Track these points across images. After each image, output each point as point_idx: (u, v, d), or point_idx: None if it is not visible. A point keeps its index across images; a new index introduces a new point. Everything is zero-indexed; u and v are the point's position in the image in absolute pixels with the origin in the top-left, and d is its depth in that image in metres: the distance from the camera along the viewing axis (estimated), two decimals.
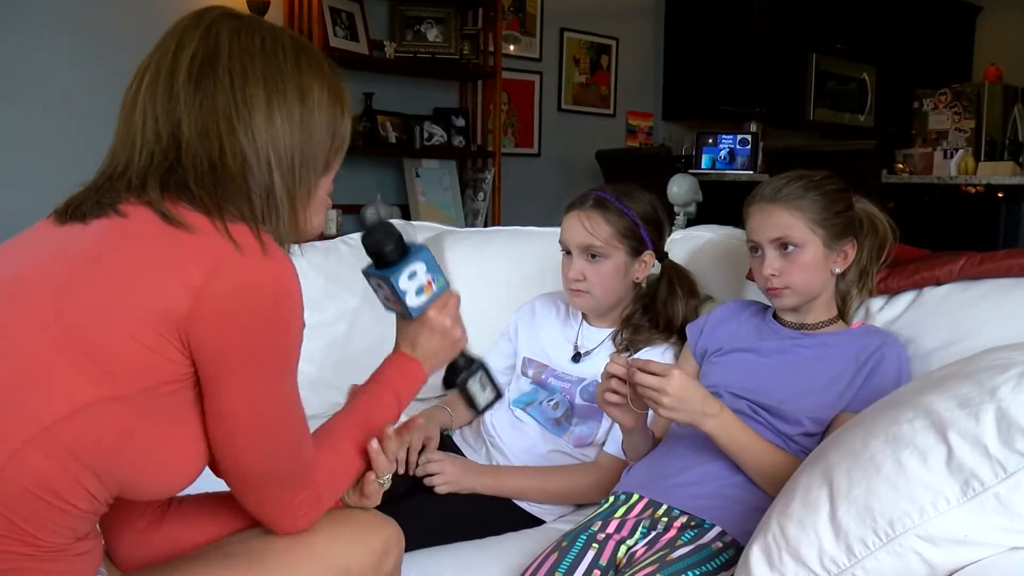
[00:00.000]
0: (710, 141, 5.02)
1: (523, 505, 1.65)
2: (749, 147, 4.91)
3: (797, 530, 1.07)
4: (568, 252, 1.72)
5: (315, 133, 1.01)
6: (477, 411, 1.29)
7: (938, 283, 1.55)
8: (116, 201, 0.94)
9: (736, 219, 2.80)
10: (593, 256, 1.68)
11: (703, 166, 5.00)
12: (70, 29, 3.40)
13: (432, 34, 4.18)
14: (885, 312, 1.58)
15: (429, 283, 1.19)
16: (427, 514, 1.55)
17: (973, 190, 4.00)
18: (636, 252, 1.71)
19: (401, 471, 1.62)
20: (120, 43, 3.43)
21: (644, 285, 1.76)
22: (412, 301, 1.18)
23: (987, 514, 0.95)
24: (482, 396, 1.28)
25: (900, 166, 5.09)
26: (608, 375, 1.36)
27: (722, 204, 4.36)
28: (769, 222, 1.46)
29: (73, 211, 0.96)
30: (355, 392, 1.20)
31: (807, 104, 5.57)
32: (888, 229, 1.57)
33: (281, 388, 0.97)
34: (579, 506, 1.70)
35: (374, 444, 1.13)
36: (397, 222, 2.50)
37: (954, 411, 1.02)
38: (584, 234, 1.68)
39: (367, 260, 1.20)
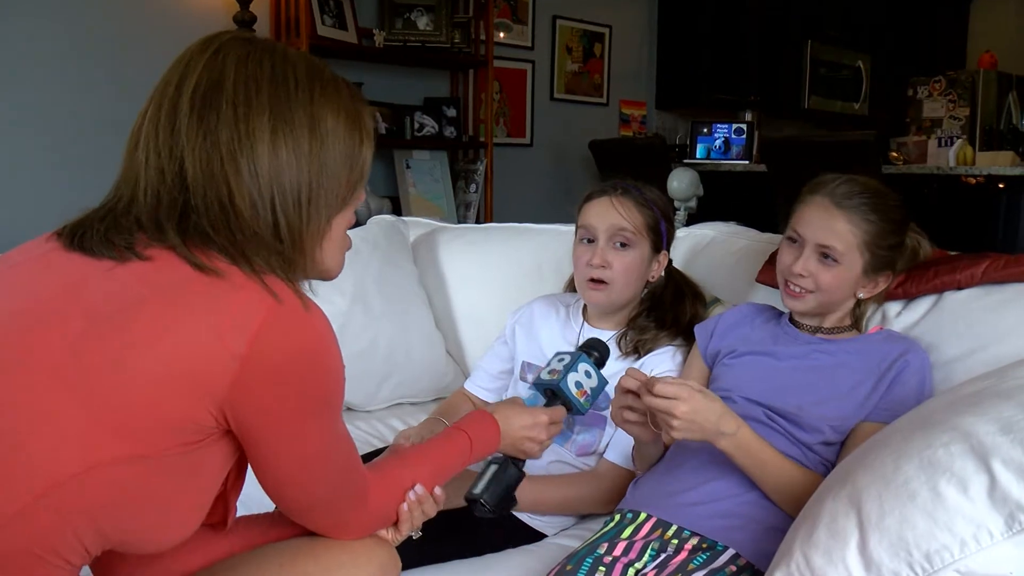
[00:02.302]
0: (705, 130, 4.93)
1: (523, 519, 1.58)
2: (744, 136, 4.82)
3: (823, 560, 0.99)
4: (589, 240, 1.64)
5: (329, 165, 0.94)
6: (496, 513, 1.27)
7: (959, 287, 1.48)
8: (131, 243, 0.88)
9: (735, 213, 2.73)
10: (621, 244, 1.61)
11: (698, 156, 4.92)
12: (59, 22, 3.29)
13: (422, 22, 4.07)
14: (903, 317, 1.51)
15: (585, 392, 1.34)
16: (425, 531, 1.48)
17: (973, 181, 3.92)
18: (656, 249, 1.65)
19: None
20: (111, 40, 3.33)
21: (648, 287, 1.69)
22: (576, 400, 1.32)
23: None
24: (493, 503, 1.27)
25: (894, 155, 5.02)
26: (623, 390, 1.28)
27: (720, 197, 4.30)
28: (825, 224, 1.39)
29: (79, 240, 0.90)
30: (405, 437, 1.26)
31: (802, 92, 5.49)
32: (925, 255, 1.51)
33: (330, 431, 0.96)
34: (581, 518, 1.63)
35: (418, 490, 1.12)
36: (388, 217, 2.41)
37: (995, 436, 0.94)
38: (617, 217, 1.61)
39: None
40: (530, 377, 1.72)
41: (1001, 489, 0.90)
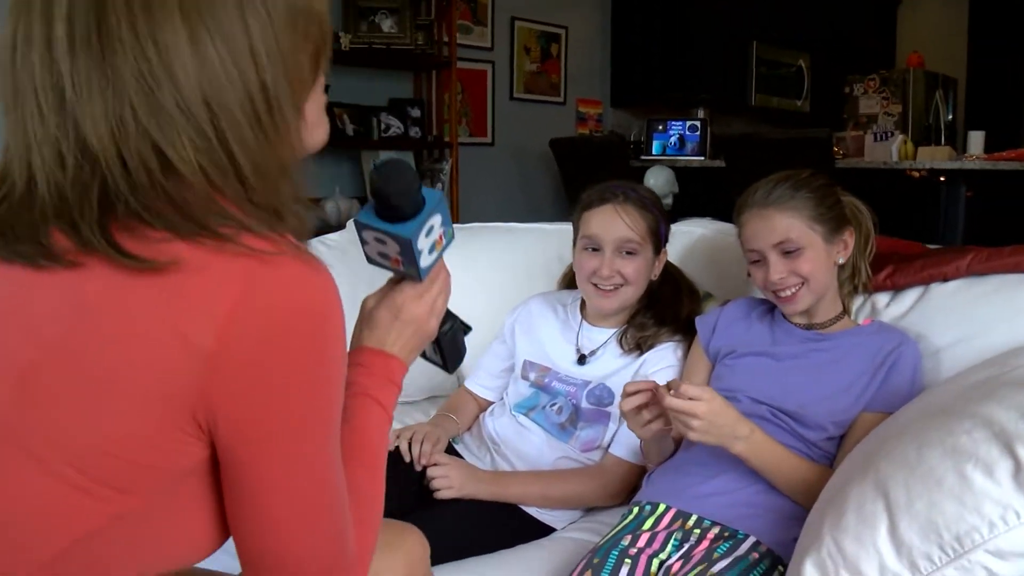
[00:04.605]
0: (660, 127, 4.98)
1: (532, 513, 1.58)
2: (698, 133, 4.89)
3: (855, 545, 1.02)
4: (594, 250, 1.63)
5: (280, 40, 0.68)
6: (449, 370, 1.09)
7: (945, 279, 1.52)
8: (47, 247, 0.65)
9: (706, 208, 2.78)
10: (628, 252, 1.60)
11: (654, 152, 4.97)
12: None
13: (386, 24, 4.04)
14: (892, 308, 1.55)
15: (440, 238, 0.93)
16: (435, 529, 1.45)
17: (917, 175, 4.05)
18: (656, 250, 1.65)
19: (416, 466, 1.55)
20: None
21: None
22: (425, 261, 0.92)
23: None
24: (454, 355, 1.06)
25: (835, 149, 5.15)
26: (633, 407, 1.27)
27: (687, 193, 4.35)
28: (767, 227, 1.42)
29: None
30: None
31: (748, 90, 5.58)
32: (870, 220, 1.54)
33: (327, 449, 0.72)
34: (588, 511, 1.64)
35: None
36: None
37: (1017, 422, 0.98)
38: (625, 228, 1.60)
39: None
40: (532, 376, 1.72)
41: None
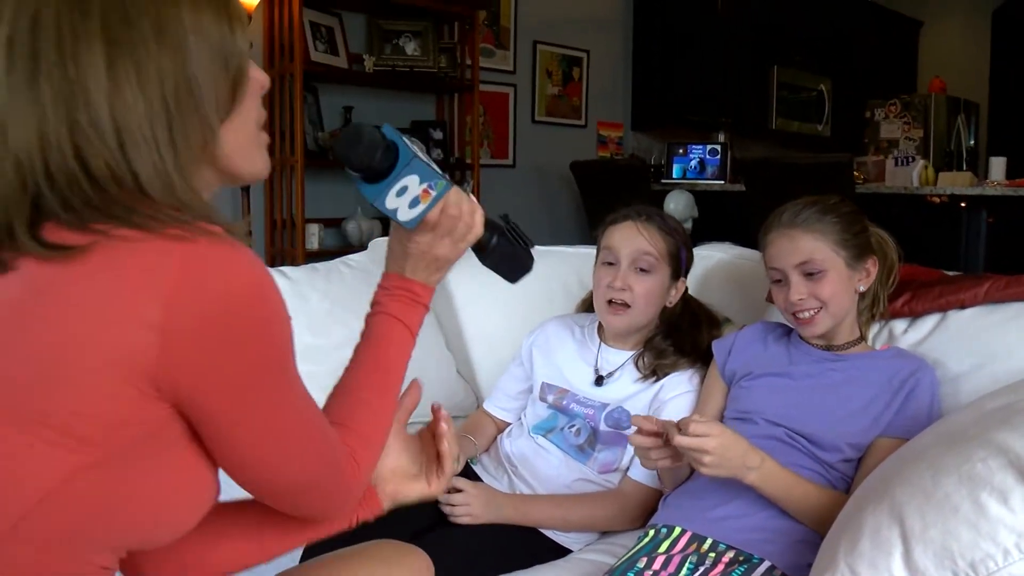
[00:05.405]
0: (680, 151, 5.00)
1: (549, 534, 1.59)
2: (719, 157, 4.90)
3: (869, 571, 1.01)
4: (610, 264, 1.65)
5: (196, 74, 0.74)
6: (511, 280, 1.11)
7: (963, 306, 1.52)
8: None
9: (717, 231, 2.78)
10: (642, 270, 1.62)
11: (674, 176, 4.98)
12: None
13: (410, 47, 4.09)
14: (909, 335, 1.55)
15: (426, 191, 0.95)
16: (451, 549, 1.47)
17: (937, 200, 4.03)
18: (675, 276, 1.66)
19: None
20: None
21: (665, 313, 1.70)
22: (406, 216, 0.95)
23: None
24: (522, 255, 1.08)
25: (856, 174, 5.14)
26: (637, 444, 1.29)
27: (700, 216, 4.35)
28: (792, 247, 1.43)
29: None
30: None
31: (769, 114, 5.59)
32: (895, 253, 1.55)
33: (288, 391, 0.78)
34: (604, 533, 1.64)
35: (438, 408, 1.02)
36: None
37: None
38: (643, 241, 1.62)
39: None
40: (551, 398, 1.73)
41: None
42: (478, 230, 1.01)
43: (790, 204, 1.48)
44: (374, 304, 1.00)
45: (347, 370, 0.97)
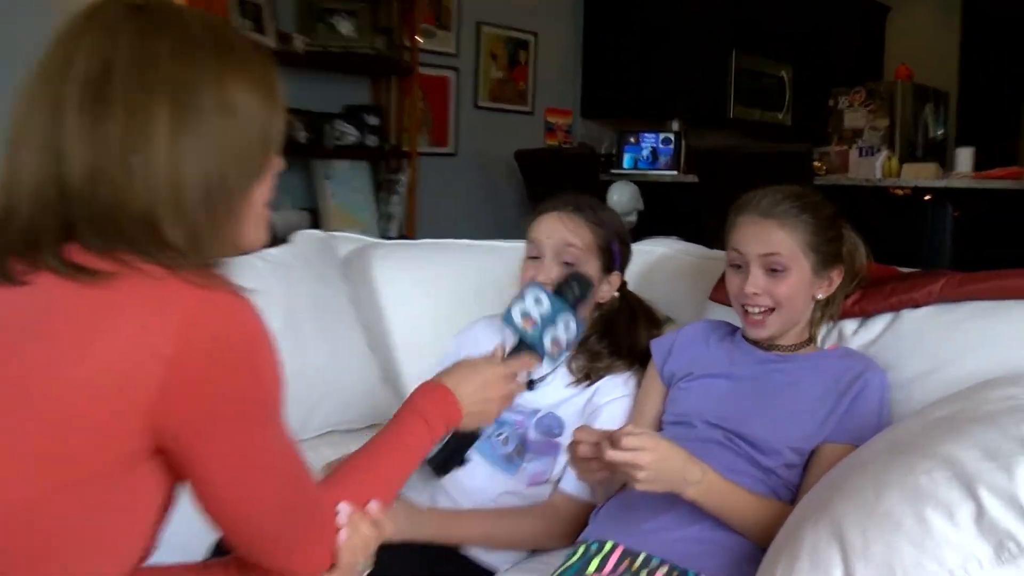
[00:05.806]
0: (632, 140, 4.99)
1: (473, 554, 1.55)
2: (672, 146, 4.90)
3: None
4: (534, 257, 1.63)
5: (240, 143, 0.87)
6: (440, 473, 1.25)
7: (916, 305, 1.51)
8: (5, 267, 0.82)
9: (666, 225, 2.76)
10: (567, 263, 1.59)
11: (625, 166, 4.97)
12: None
13: (345, 27, 4.01)
14: (860, 335, 1.54)
15: (559, 345, 1.29)
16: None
17: (900, 192, 4.07)
18: (607, 270, 1.63)
19: None
20: None
21: (600, 310, 1.68)
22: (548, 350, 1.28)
23: None
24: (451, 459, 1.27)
25: (817, 164, 5.18)
26: (580, 456, 1.26)
27: (649, 208, 4.35)
28: (761, 237, 1.41)
29: None
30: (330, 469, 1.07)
31: (727, 102, 5.61)
32: (864, 259, 1.54)
33: (277, 440, 0.88)
34: (533, 551, 1.61)
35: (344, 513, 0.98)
36: (317, 233, 2.36)
37: (980, 463, 0.96)
38: (565, 232, 1.60)
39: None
40: None
41: (989, 517, 0.92)
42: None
43: (771, 190, 1.46)
44: (408, 401, 1.15)
45: (374, 446, 1.09)
